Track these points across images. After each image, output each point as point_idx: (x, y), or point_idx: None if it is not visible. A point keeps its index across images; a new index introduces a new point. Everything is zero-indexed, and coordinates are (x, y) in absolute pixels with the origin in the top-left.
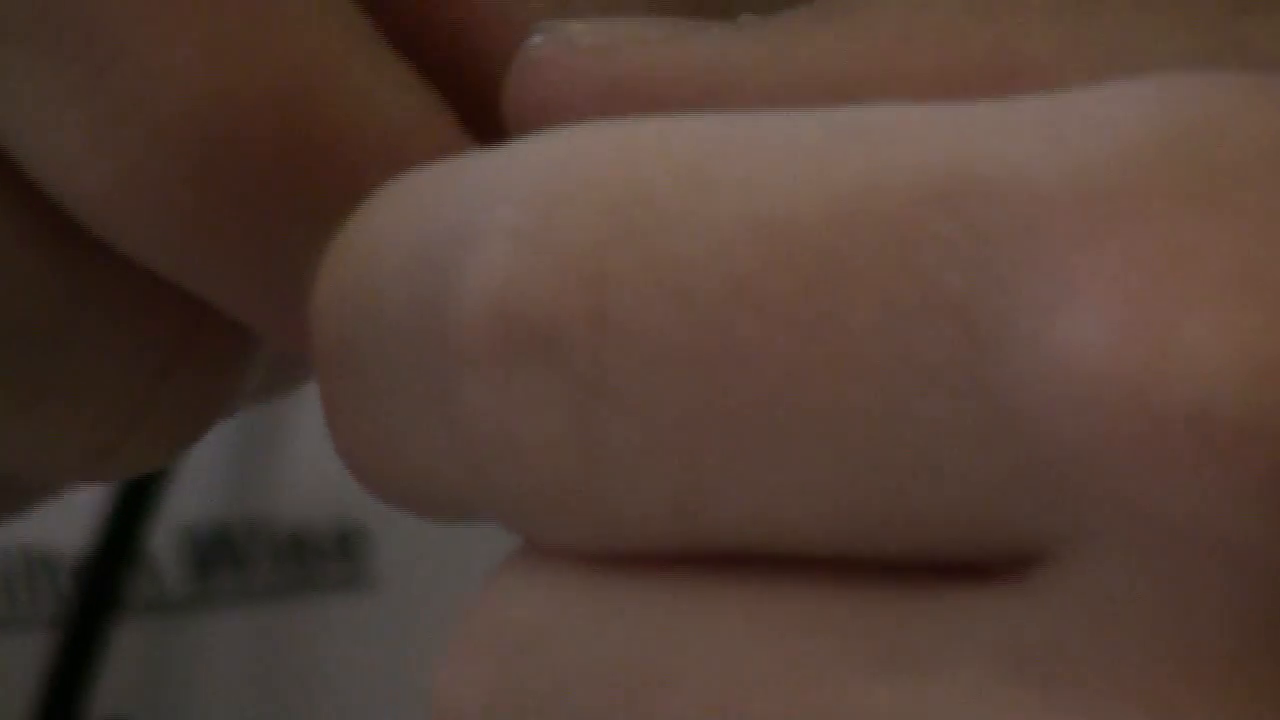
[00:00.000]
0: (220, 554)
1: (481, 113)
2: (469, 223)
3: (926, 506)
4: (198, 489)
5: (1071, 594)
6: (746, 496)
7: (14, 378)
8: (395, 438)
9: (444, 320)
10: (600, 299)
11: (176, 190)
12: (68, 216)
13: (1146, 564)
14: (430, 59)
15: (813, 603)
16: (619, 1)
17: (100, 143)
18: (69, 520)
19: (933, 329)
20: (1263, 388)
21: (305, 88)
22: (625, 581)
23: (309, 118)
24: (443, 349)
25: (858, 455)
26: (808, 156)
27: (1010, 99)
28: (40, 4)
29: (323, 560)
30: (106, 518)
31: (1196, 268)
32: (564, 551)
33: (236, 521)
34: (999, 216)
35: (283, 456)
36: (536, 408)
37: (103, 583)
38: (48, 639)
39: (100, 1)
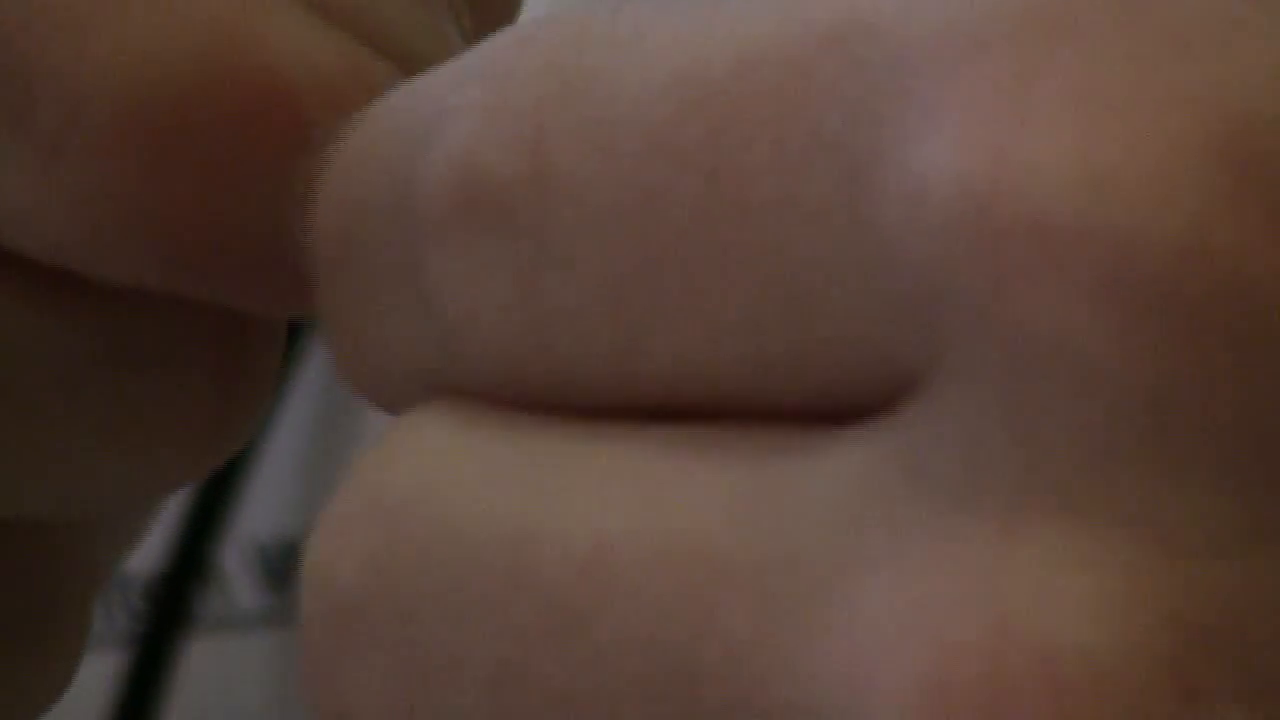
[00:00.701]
0: (291, 570)
1: None
2: (442, 105)
3: (818, 344)
4: (268, 506)
5: (934, 418)
6: (671, 345)
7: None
8: (378, 327)
9: (414, 195)
10: (540, 160)
11: (131, 198)
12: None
13: (1000, 380)
14: None
15: (692, 455)
16: None
17: (37, 180)
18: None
19: (816, 167)
20: (1095, 194)
21: (225, 40)
22: (517, 435)
23: (235, 70)
24: (412, 223)
25: (756, 296)
26: (729, 16)
27: None
28: None
29: None
30: (178, 535)
31: (1039, 86)
32: (464, 409)
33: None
34: (877, 55)
35: None
36: (490, 272)
37: (174, 600)
38: (120, 656)
39: (4, 51)
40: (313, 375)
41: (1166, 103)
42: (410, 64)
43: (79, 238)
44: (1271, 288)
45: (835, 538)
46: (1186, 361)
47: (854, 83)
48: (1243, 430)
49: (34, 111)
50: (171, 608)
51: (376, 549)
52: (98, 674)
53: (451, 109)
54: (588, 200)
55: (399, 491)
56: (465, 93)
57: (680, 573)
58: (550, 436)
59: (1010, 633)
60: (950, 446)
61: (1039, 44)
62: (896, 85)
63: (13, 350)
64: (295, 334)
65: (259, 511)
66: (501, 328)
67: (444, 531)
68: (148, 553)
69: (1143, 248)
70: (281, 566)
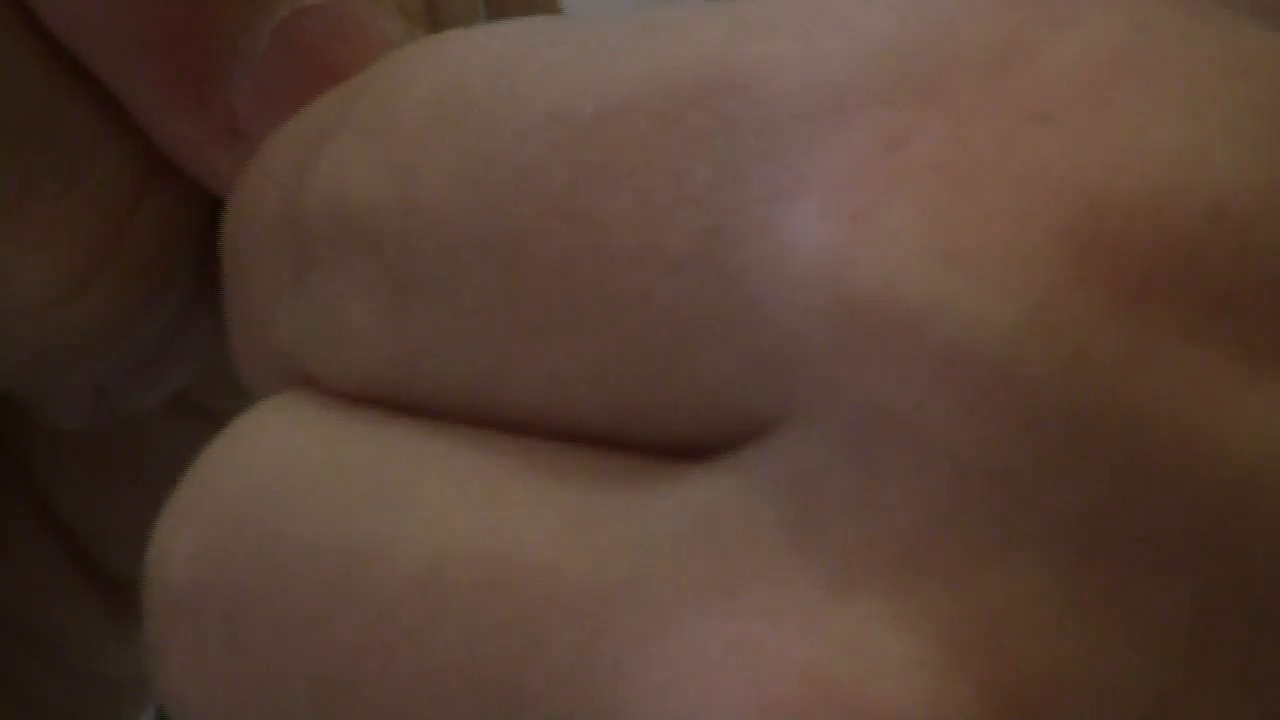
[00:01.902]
0: None
1: None
2: (329, 122)
3: (671, 389)
4: None
5: (776, 467)
6: (527, 379)
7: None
8: (262, 325)
9: (295, 211)
10: (409, 189)
11: (127, 15)
12: None
13: (844, 441)
14: None
15: (537, 472)
16: None
17: None
18: None
19: (679, 220)
20: (943, 271)
21: None
22: (367, 427)
23: None
24: (294, 237)
25: (613, 340)
26: (600, 52)
27: None
28: None
29: None
30: None
31: (899, 156)
32: (315, 400)
33: None
34: (745, 112)
35: None
36: (358, 293)
37: None
38: None
39: None
40: None
41: (1020, 178)
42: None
43: (81, 28)
44: (1112, 372)
45: (667, 572)
46: (1023, 442)
47: (721, 140)
48: (1074, 512)
49: None
50: None
51: (208, 544)
52: None
53: (335, 128)
54: (455, 232)
55: (234, 487)
56: (348, 113)
57: (511, 595)
58: (397, 434)
59: (828, 691)
60: (788, 496)
61: (903, 110)
62: (763, 145)
63: None
64: None
65: None
66: (368, 347)
67: (275, 533)
68: None
69: (985, 327)
70: None
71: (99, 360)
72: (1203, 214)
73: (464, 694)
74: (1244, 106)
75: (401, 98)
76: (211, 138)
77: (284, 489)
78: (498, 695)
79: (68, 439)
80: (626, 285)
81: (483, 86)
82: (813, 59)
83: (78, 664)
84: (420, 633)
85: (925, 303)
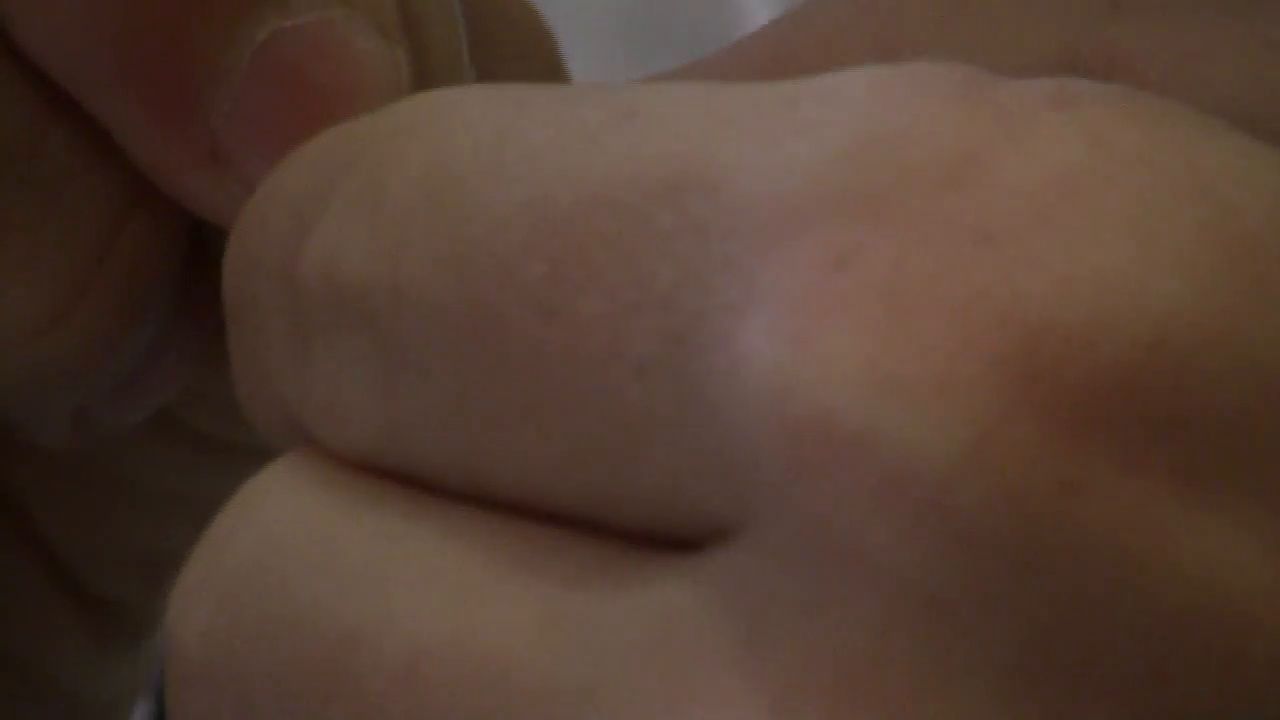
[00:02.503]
0: None
1: None
2: (326, 187)
3: (634, 486)
4: None
5: (719, 575)
6: (509, 461)
7: None
8: (264, 373)
9: (293, 277)
10: (399, 272)
11: (106, 37)
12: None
13: (792, 559)
14: None
15: (514, 560)
16: None
17: None
18: None
19: (646, 323)
20: (882, 397)
21: None
22: (363, 503)
23: None
24: (294, 301)
25: (583, 434)
26: (581, 138)
27: (768, 85)
28: None
29: None
30: None
31: (846, 275)
32: (316, 470)
33: None
34: (712, 215)
35: None
36: (355, 367)
37: None
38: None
39: None
40: None
41: (959, 304)
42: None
43: (60, 54)
44: (1048, 503)
45: (621, 679)
46: (959, 572)
47: (687, 242)
48: (1012, 643)
49: None
50: None
51: (218, 620)
52: None
53: (331, 196)
54: (438, 317)
55: (239, 562)
56: (344, 184)
57: (482, 693)
58: (389, 513)
59: None
60: (739, 610)
61: (852, 227)
62: (725, 251)
63: None
64: None
65: None
66: (362, 419)
67: (277, 613)
68: None
69: (922, 455)
70: None
71: (81, 385)
72: (1142, 343)
73: None
74: (1193, 232)
75: (392, 174)
76: (194, 161)
77: (283, 566)
78: None
79: (51, 460)
80: (595, 384)
81: (469, 168)
82: (774, 165)
83: (58, 685)
84: None
85: (863, 430)
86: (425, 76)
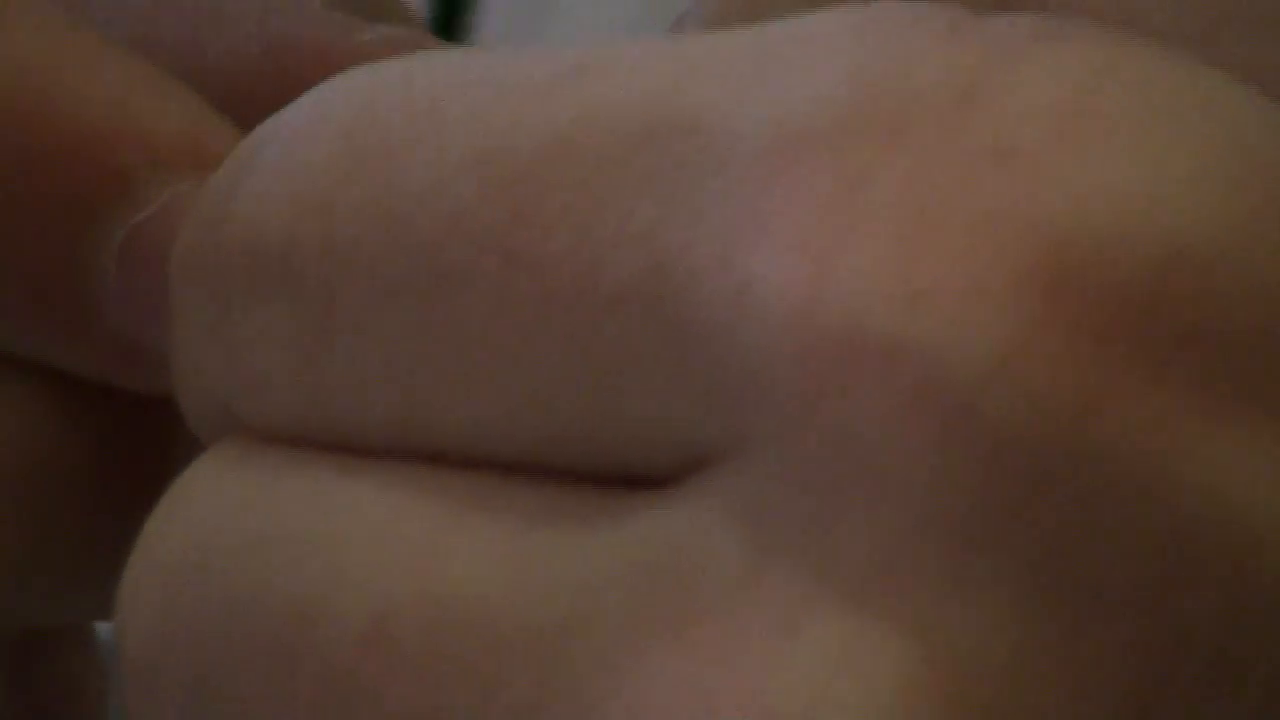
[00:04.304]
0: None
1: None
2: (247, 162)
3: (612, 420)
4: None
5: (721, 500)
6: (460, 413)
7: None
8: (196, 370)
9: (219, 249)
10: (329, 230)
11: None
12: None
13: (805, 477)
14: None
15: (472, 509)
16: None
17: None
18: None
19: (620, 257)
20: (910, 309)
21: (32, 88)
22: (297, 475)
23: (40, 117)
24: (216, 276)
25: (549, 376)
26: (533, 92)
27: (728, 35)
28: None
29: None
30: None
31: (864, 195)
32: (249, 452)
33: None
34: (696, 153)
35: None
36: (276, 335)
37: None
38: None
39: None
40: None
41: (984, 218)
42: None
43: None
44: (1073, 412)
45: (617, 608)
46: (983, 481)
47: (669, 179)
48: (1029, 554)
49: None
50: None
51: (162, 614)
52: None
53: (251, 168)
54: (376, 272)
55: (179, 552)
56: (264, 154)
57: (459, 641)
58: (327, 480)
59: None
60: (742, 530)
61: (866, 149)
62: (717, 185)
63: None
64: None
65: None
66: (286, 388)
67: (220, 599)
68: None
69: (950, 366)
70: None
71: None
72: (1163, 256)
73: None
74: (1205, 149)
75: (312, 141)
76: (107, 355)
77: (222, 550)
78: None
79: None
80: (564, 322)
81: (401, 125)
82: (768, 100)
83: None
84: (376, 688)
85: (891, 341)
86: None
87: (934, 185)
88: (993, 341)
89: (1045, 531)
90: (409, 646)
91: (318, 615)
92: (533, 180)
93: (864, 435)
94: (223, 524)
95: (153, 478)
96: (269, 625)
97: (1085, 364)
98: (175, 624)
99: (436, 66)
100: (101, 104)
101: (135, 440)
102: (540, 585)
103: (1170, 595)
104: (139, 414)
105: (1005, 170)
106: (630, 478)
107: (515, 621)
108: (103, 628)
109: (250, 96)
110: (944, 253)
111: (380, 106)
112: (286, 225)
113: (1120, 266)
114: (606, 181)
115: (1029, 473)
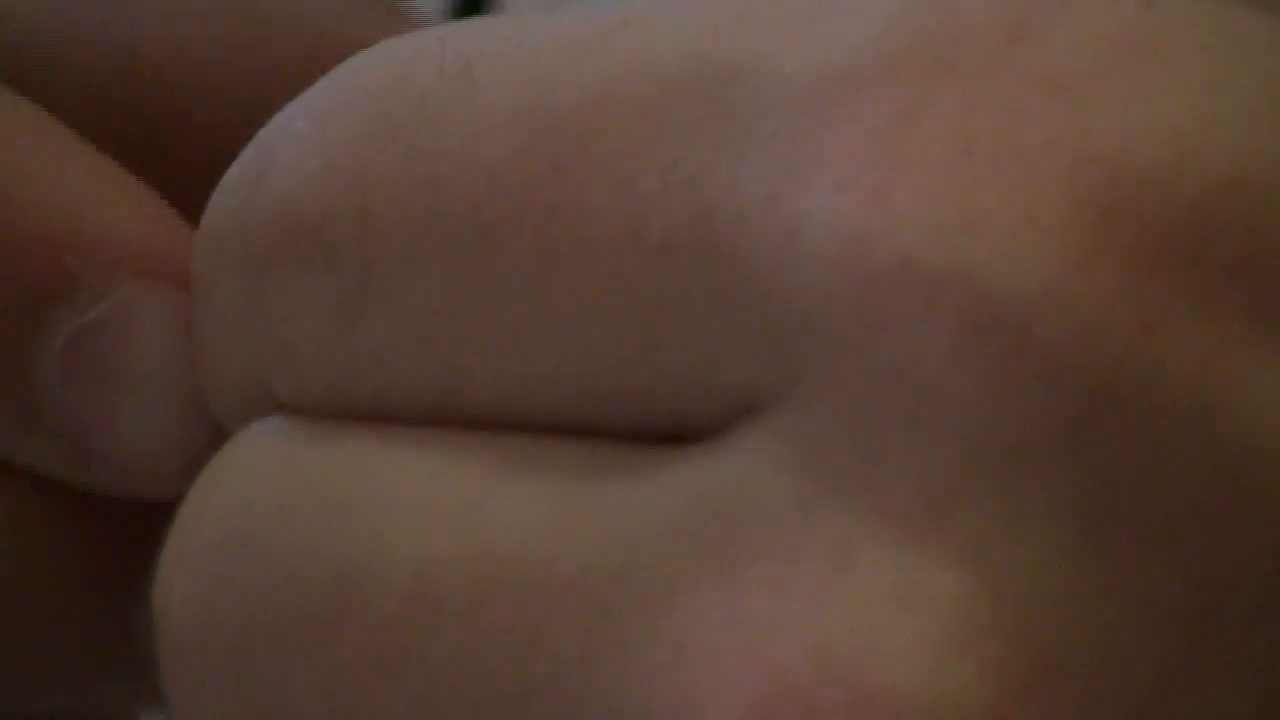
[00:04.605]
0: None
1: None
2: (276, 139)
3: (657, 373)
4: None
5: (776, 443)
6: (500, 374)
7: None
8: (224, 358)
9: (247, 230)
10: (362, 198)
11: None
12: None
13: (856, 412)
14: None
15: (514, 468)
16: None
17: None
18: None
19: (665, 206)
20: (964, 240)
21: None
22: (333, 444)
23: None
24: (248, 255)
25: (593, 330)
26: (571, 49)
27: None
28: None
29: None
30: None
31: (915, 129)
32: (288, 426)
33: None
34: (742, 99)
35: None
36: (310, 307)
37: None
38: None
39: None
40: None
41: (1037, 149)
42: None
43: None
44: (1127, 342)
45: (665, 554)
46: (1037, 413)
47: (715, 126)
48: (1083, 487)
49: None
50: None
51: (202, 587)
52: None
53: (281, 144)
54: (412, 235)
55: (217, 526)
56: (292, 128)
57: (504, 595)
58: (363, 447)
59: (832, 668)
60: (792, 472)
61: (916, 84)
62: (764, 127)
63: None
64: None
65: None
66: (322, 360)
67: (264, 566)
68: None
69: (1003, 295)
70: None
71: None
72: (1217, 185)
73: (470, 696)
74: (1257, 79)
75: (345, 109)
76: (57, 456)
77: (264, 521)
78: (502, 693)
79: None
80: (608, 273)
81: (436, 88)
82: (813, 44)
83: None
84: (421, 644)
85: (945, 272)
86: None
87: (984, 119)
88: (1046, 270)
89: (1100, 462)
90: (453, 603)
91: (360, 578)
92: (574, 133)
93: (917, 368)
94: (261, 495)
95: (124, 574)
96: (311, 591)
97: (1139, 292)
98: (216, 598)
99: (471, 30)
100: (54, 205)
101: (108, 536)
102: (584, 537)
103: (1226, 526)
104: (114, 512)
105: (1056, 102)
106: (673, 434)
107: (560, 574)
108: None
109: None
110: (996, 184)
111: (414, 72)
112: (320, 196)
113: (1172, 196)
114: (650, 131)
115: (1083, 402)
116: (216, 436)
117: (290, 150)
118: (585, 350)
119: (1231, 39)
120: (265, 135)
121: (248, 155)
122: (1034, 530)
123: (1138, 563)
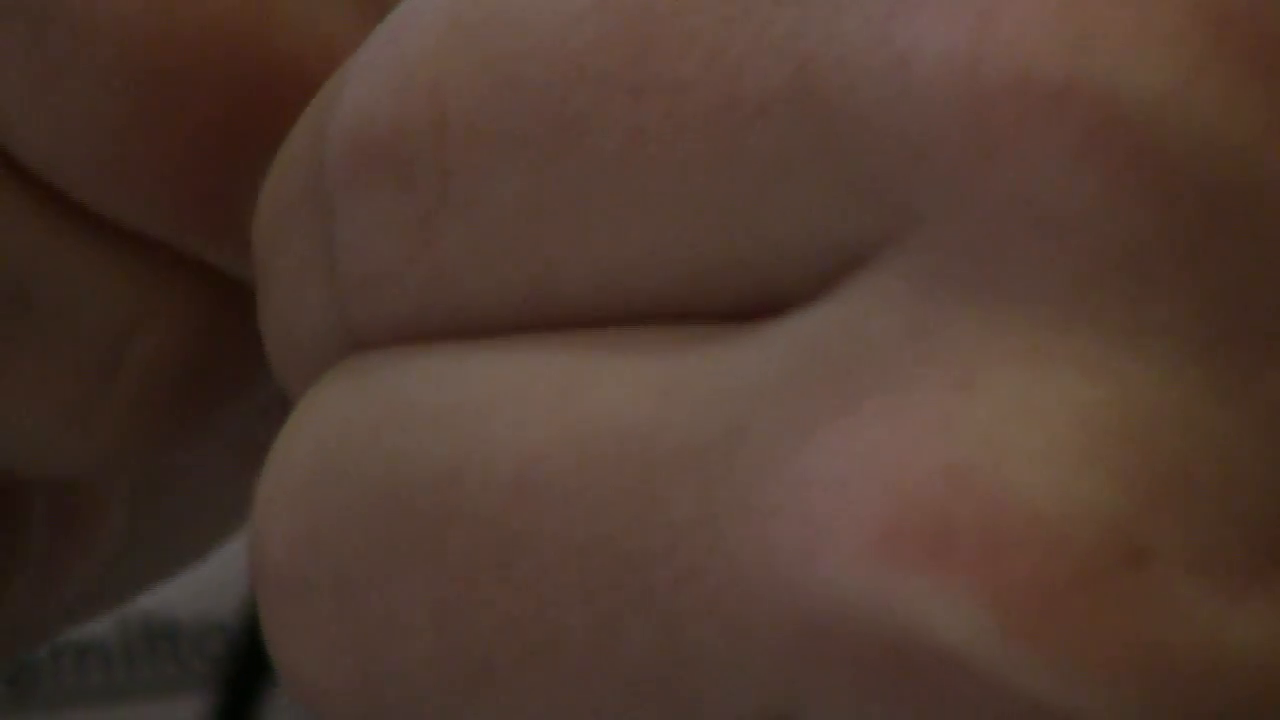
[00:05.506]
0: None
1: None
2: (349, 67)
3: (756, 240)
4: None
5: (877, 288)
6: (597, 268)
7: None
8: (294, 316)
9: (321, 159)
10: (440, 105)
11: (124, 135)
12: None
13: (972, 237)
14: None
15: (612, 350)
16: None
17: (41, 97)
18: (228, 588)
19: (760, 68)
20: (1079, 51)
21: (253, 20)
22: (421, 361)
23: (257, 50)
24: (321, 186)
25: (693, 205)
26: None
27: None
28: None
29: None
30: None
31: None
32: (367, 360)
33: None
34: None
35: None
36: (390, 223)
37: (256, 649)
38: (210, 700)
39: None
40: None
41: None
42: None
43: (70, 156)
44: (1249, 147)
45: (777, 407)
46: (1163, 220)
47: None
48: (1209, 294)
49: (46, 31)
50: (254, 657)
51: (302, 521)
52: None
53: (353, 68)
54: (494, 139)
55: (311, 458)
56: (365, 52)
57: (614, 471)
58: (454, 358)
59: (962, 483)
60: (904, 309)
61: None
62: None
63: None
64: None
65: None
66: (405, 278)
67: (363, 492)
68: (229, 600)
69: (1124, 104)
70: None
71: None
72: None
73: (588, 575)
74: None
75: (419, 22)
76: (221, 227)
77: (360, 442)
78: (624, 566)
79: None
80: (702, 147)
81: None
82: None
83: None
84: (532, 530)
85: (1061, 84)
86: None
87: None
88: (1164, 79)
89: (1222, 271)
90: (562, 484)
91: (462, 475)
92: (658, 10)
93: (1037, 185)
94: (355, 418)
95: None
96: (412, 503)
97: (1257, 99)
98: (317, 530)
99: None
100: (293, 22)
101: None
102: (690, 405)
103: None
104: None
105: None
106: (773, 309)
107: (668, 443)
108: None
109: None
110: None
111: None
112: (395, 114)
113: None
114: (739, 3)
115: (1205, 209)
116: None
117: (360, 76)
118: (682, 227)
119: None
120: (329, 83)
121: (311, 106)
122: (1160, 340)
123: (1267, 369)
